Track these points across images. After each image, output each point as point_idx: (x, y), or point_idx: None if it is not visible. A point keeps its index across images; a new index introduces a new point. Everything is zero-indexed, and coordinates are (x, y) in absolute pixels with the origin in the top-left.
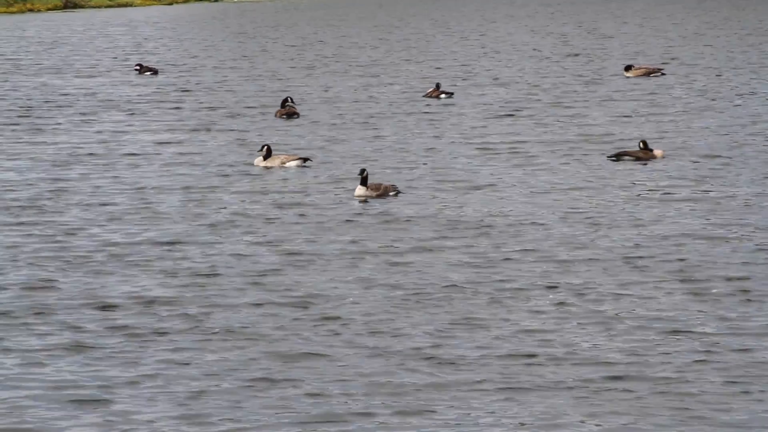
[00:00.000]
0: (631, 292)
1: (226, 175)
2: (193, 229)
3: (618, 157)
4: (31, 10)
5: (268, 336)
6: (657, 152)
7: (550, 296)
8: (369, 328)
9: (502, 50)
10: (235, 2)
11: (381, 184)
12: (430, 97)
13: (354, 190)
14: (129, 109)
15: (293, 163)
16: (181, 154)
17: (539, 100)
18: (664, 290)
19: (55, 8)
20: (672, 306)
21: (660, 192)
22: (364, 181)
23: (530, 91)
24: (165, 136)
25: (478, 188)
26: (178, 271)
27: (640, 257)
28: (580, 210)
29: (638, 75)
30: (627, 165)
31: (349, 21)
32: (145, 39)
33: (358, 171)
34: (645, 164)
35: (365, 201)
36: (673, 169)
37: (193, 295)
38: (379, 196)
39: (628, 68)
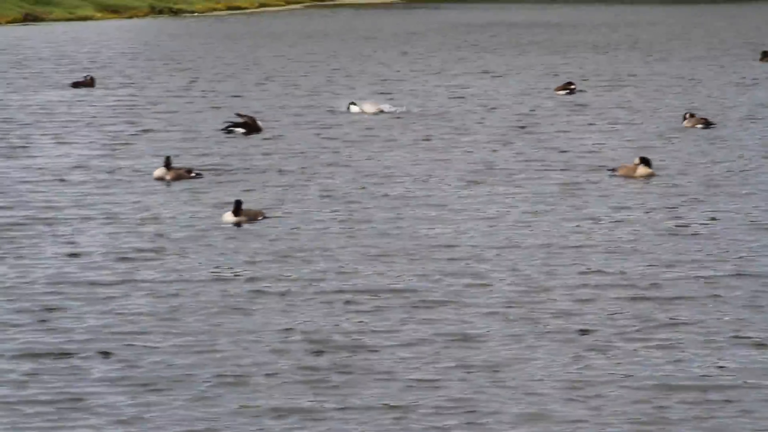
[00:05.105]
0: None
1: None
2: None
3: (613, 170)
4: None
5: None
6: (641, 170)
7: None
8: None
9: (465, 70)
10: (195, 16)
11: (251, 210)
12: (371, 114)
13: (223, 216)
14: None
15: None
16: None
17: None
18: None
19: (14, 21)
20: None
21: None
22: (237, 210)
23: (480, 103)
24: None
25: (452, 211)
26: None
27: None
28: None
29: (558, 91)
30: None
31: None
32: (100, 52)
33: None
34: (635, 181)
35: (238, 225)
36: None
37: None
38: (249, 221)
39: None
